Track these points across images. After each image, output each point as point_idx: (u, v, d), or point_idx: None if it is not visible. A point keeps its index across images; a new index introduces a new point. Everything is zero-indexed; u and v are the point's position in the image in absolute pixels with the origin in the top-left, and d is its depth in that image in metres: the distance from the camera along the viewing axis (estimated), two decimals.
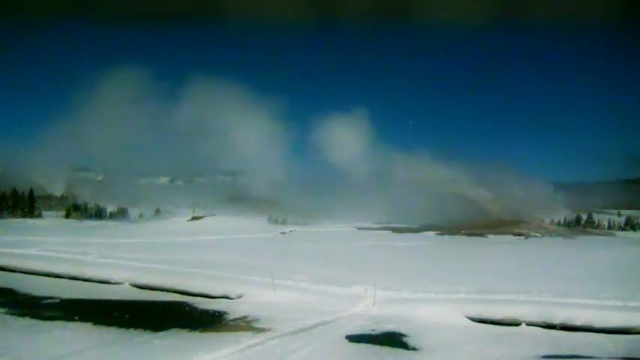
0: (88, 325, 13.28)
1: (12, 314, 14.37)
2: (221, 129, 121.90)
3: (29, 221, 62.34)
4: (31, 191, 70.16)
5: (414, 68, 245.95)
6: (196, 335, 12.61)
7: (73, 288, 19.28)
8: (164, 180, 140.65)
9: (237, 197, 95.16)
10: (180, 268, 22.04)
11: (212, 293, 18.04)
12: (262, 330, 13.02)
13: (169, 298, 17.92)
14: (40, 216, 68.63)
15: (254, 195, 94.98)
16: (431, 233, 61.95)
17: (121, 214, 79.92)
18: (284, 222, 76.37)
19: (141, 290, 19.15)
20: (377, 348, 11.81)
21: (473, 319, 14.87)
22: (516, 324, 14.41)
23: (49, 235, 39.04)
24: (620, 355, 11.45)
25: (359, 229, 66.60)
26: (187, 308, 16.39)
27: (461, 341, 12.53)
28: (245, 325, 13.94)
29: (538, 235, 62.84)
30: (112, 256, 25.87)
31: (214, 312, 15.63)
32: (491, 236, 59.02)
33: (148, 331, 12.60)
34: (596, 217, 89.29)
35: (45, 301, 16.70)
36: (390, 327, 13.88)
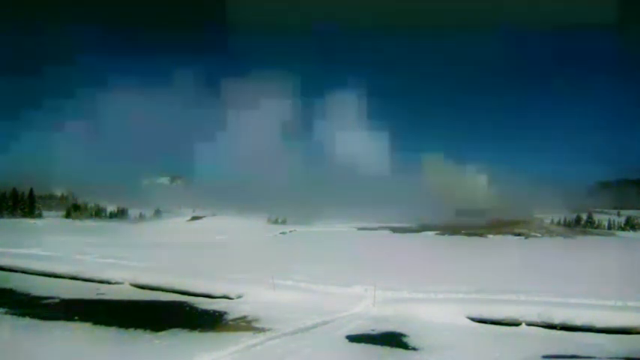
0: (88, 325, 13.27)
1: (12, 314, 14.37)
2: (221, 129, 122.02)
3: (29, 221, 62.29)
4: (31, 191, 70.11)
5: (414, 68, 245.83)
6: (196, 335, 12.60)
7: (73, 288, 19.29)
8: (164, 180, 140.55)
9: (238, 197, 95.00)
10: (180, 268, 22.02)
11: (212, 293, 18.03)
12: (262, 330, 13.01)
13: (169, 298, 17.92)
14: (40, 216, 68.58)
15: (254, 195, 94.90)
16: (431, 233, 62.03)
17: (121, 214, 79.80)
18: (284, 222, 76.36)
19: (141, 290, 19.15)
20: (377, 348, 11.80)
21: (473, 319, 14.85)
22: (516, 324, 14.40)
23: (49, 235, 39.04)
24: (620, 355, 11.44)
25: (359, 229, 66.63)
26: (187, 308, 16.38)
27: (461, 341, 12.52)
28: (245, 325, 13.93)
29: (538, 235, 62.91)
30: (112, 256, 25.88)
31: (214, 312, 15.62)
32: (491, 236, 59.06)
33: (148, 331, 12.59)
34: (596, 217, 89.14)
35: (45, 301, 16.70)
36: (389, 327, 13.88)
